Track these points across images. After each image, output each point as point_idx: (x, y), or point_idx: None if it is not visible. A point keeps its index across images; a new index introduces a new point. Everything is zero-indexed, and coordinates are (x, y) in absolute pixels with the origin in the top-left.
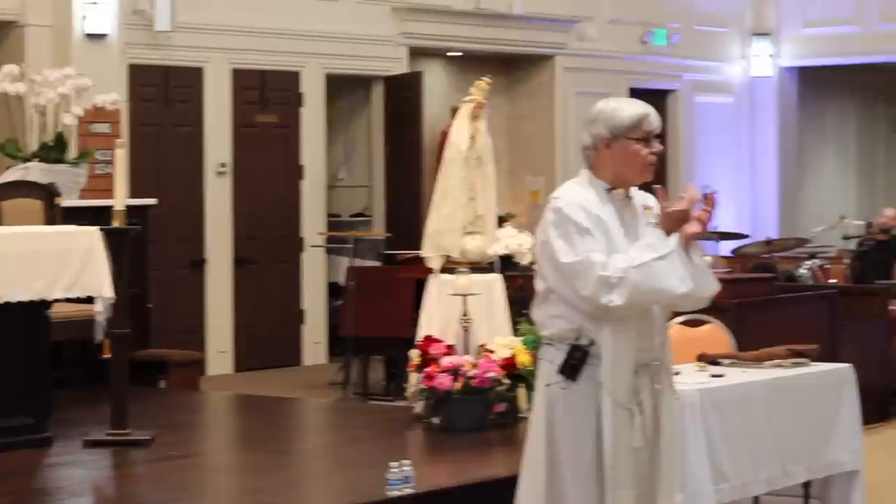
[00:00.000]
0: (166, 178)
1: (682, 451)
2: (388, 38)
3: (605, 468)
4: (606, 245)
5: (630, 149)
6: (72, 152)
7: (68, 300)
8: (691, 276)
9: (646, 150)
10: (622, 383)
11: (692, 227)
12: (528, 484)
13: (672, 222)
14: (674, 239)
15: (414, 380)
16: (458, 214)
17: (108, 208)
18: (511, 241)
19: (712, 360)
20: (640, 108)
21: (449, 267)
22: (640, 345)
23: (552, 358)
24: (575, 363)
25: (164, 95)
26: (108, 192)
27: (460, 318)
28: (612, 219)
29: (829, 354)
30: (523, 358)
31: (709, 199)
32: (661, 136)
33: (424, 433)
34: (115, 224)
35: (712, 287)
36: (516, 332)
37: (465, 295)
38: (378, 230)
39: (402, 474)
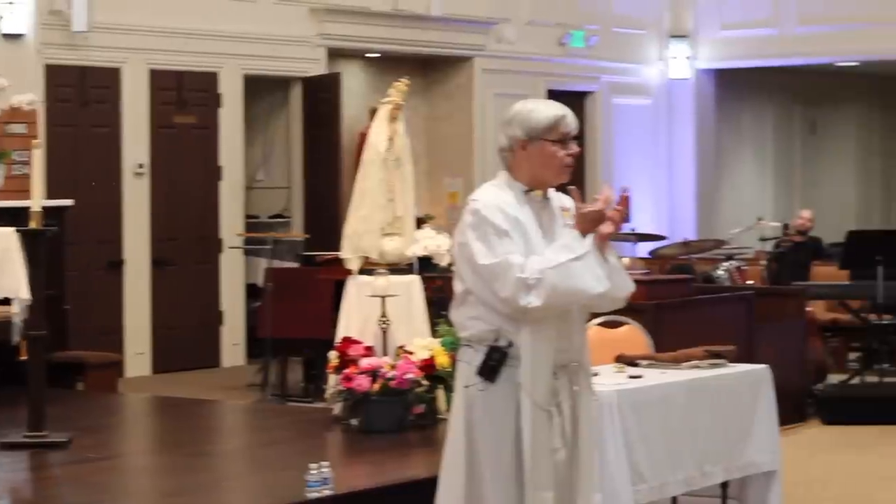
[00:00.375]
0: (83, 179)
1: (602, 452)
2: (307, 39)
3: (524, 470)
4: (524, 247)
5: (546, 150)
6: None
7: None
8: (607, 276)
9: (562, 152)
10: (541, 385)
11: (606, 228)
12: (448, 486)
13: (587, 223)
14: (589, 240)
15: (332, 381)
16: (376, 216)
17: (25, 209)
18: (429, 242)
19: (630, 362)
20: (556, 109)
21: (367, 268)
22: (559, 346)
23: (471, 359)
24: (493, 365)
25: (80, 96)
26: (24, 192)
27: (379, 320)
28: (529, 220)
29: (746, 355)
30: (442, 359)
31: (622, 200)
32: (580, 138)
33: (343, 435)
34: (32, 225)
35: (627, 287)
36: (435, 334)
37: (383, 296)
38: (297, 231)
39: (321, 476)
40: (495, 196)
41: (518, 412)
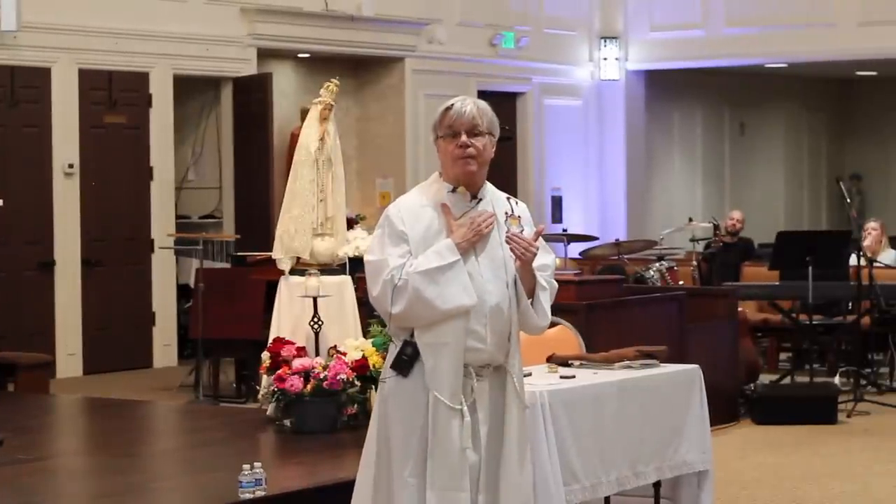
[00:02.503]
0: (13, 179)
1: (534, 453)
2: (237, 39)
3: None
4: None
5: (442, 145)
6: None
7: None
8: (466, 292)
9: (452, 145)
10: (445, 382)
11: (528, 256)
12: (361, 482)
13: (460, 234)
14: (456, 250)
15: (265, 382)
16: (307, 216)
17: None
18: (361, 242)
19: (562, 362)
20: (449, 102)
21: (299, 269)
22: (472, 345)
23: (390, 354)
24: (406, 359)
25: (10, 96)
26: None
27: (311, 320)
28: (438, 226)
29: (677, 355)
30: (374, 360)
31: (536, 233)
32: (510, 138)
33: (276, 435)
34: None
35: (542, 321)
36: (367, 334)
37: (315, 297)
38: (228, 232)
39: (254, 477)
40: (412, 200)
41: (428, 408)
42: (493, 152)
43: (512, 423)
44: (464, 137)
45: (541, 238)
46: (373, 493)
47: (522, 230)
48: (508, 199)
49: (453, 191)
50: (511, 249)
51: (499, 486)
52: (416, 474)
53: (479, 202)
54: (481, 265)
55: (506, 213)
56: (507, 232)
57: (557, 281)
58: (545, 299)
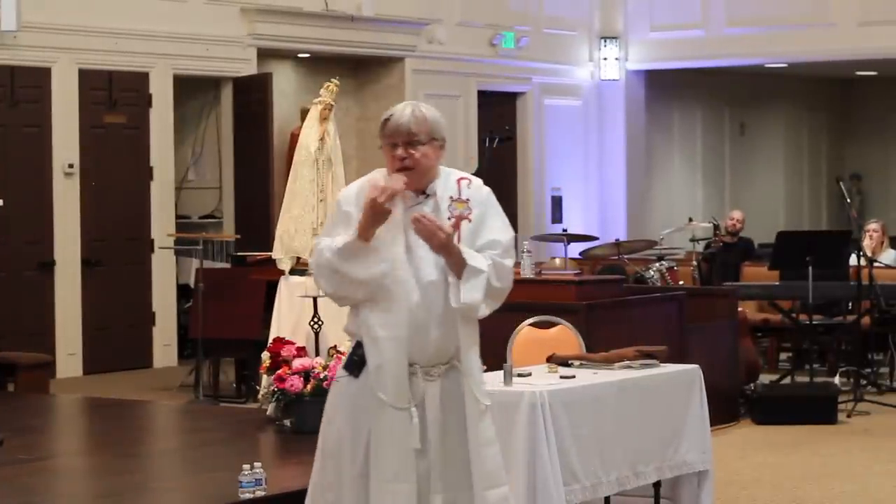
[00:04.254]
0: (13, 179)
1: (534, 453)
2: (237, 39)
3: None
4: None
5: (385, 153)
6: None
7: None
8: (377, 268)
9: (391, 156)
10: (389, 382)
11: (434, 240)
12: (314, 480)
13: (366, 213)
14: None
15: (265, 382)
16: (307, 216)
17: None
18: None
19: (562, 362)
20: (389, 112)
21: (299, 269)
22: (415, 345)
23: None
24: (357, 360)
25: (10, 96)
26: None
27: (311, 320)
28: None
29: (677, 355)
30: None
31: (455, 222)
32: (510, 139)
33: (276, 435)
34: None
35: (470, 298)
36: None
37: (315, 297)
38: (228, 232)
39: (254, 477)
40: (360, 183)
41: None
42: (440, 154)
43: (465, 420)
44: (399, 151)
45: (498, 212)
46: (321, 491)
47: (470, 212)
48: (461, 180)
49: None
50: (416, 231)
51: (454, 481)
52: (363, 473)
53: (427, 198)
54: (419, 243)
55: (450, 198)
56: (420, 214)
57: (557, 281)
58: (474, 276)
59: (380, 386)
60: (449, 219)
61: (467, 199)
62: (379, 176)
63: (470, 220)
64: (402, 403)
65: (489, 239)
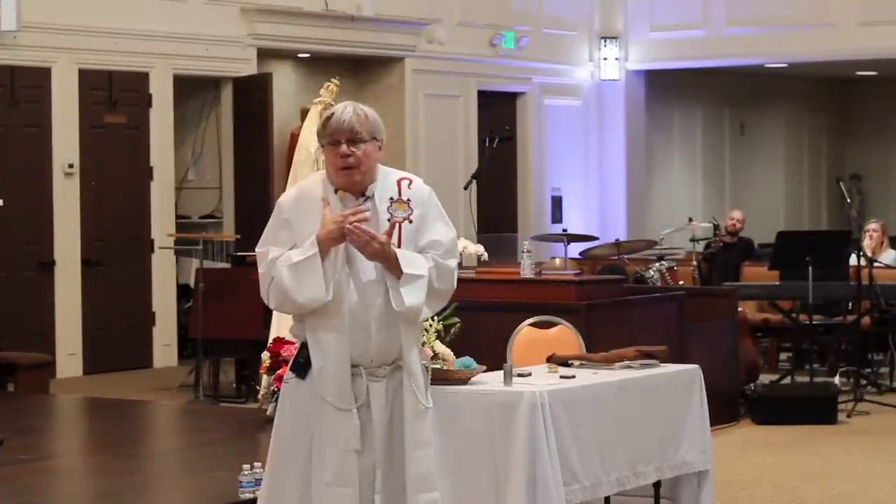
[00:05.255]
0: (13, 179)
1: (534, 452)
2: (237, 39)
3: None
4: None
5: (327, 152)
6: None
7: None
8: (322, 287)
9: (334, 154)
10: (331, 383)
11: (368, 248)
12: (265, 481)
13: (324, 231)
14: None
15: (265, 382)
16: None
17: None
18: None
19: (562, 362)
20: (330, 110)
21: None
22: (357, 345)
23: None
24: (302, 361)
25: (10, 96)
26: None
27: None
28: (310, 216)
29: (677, 355)
30: None
31: (390, 227)
32: (510, 139)
33: None
34: None
35: (408, 302)
36: None
37: None
38: (228, 232)
39: (254, 477)
40: (300, 189)
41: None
42: (379, 154)
43: (407, 423)
44: (343, 147)
45: (440, 213)
46: (268, 493)
47: (410, 213)
48: (401, 181)
49: (335, 192)
50: (350, 241)
51: (397, 484)
52: (306, 474)
53: (366, 199)
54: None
55: (390, 199)
56: (355, 224)
57: (558, 281)
58: (413, 281)
59: (322, 387)
60: (388, 220)
61: (408, 200)
62: (318, 180)
63: (411, 222)
64: (345, 404)
65: (431, 239)
